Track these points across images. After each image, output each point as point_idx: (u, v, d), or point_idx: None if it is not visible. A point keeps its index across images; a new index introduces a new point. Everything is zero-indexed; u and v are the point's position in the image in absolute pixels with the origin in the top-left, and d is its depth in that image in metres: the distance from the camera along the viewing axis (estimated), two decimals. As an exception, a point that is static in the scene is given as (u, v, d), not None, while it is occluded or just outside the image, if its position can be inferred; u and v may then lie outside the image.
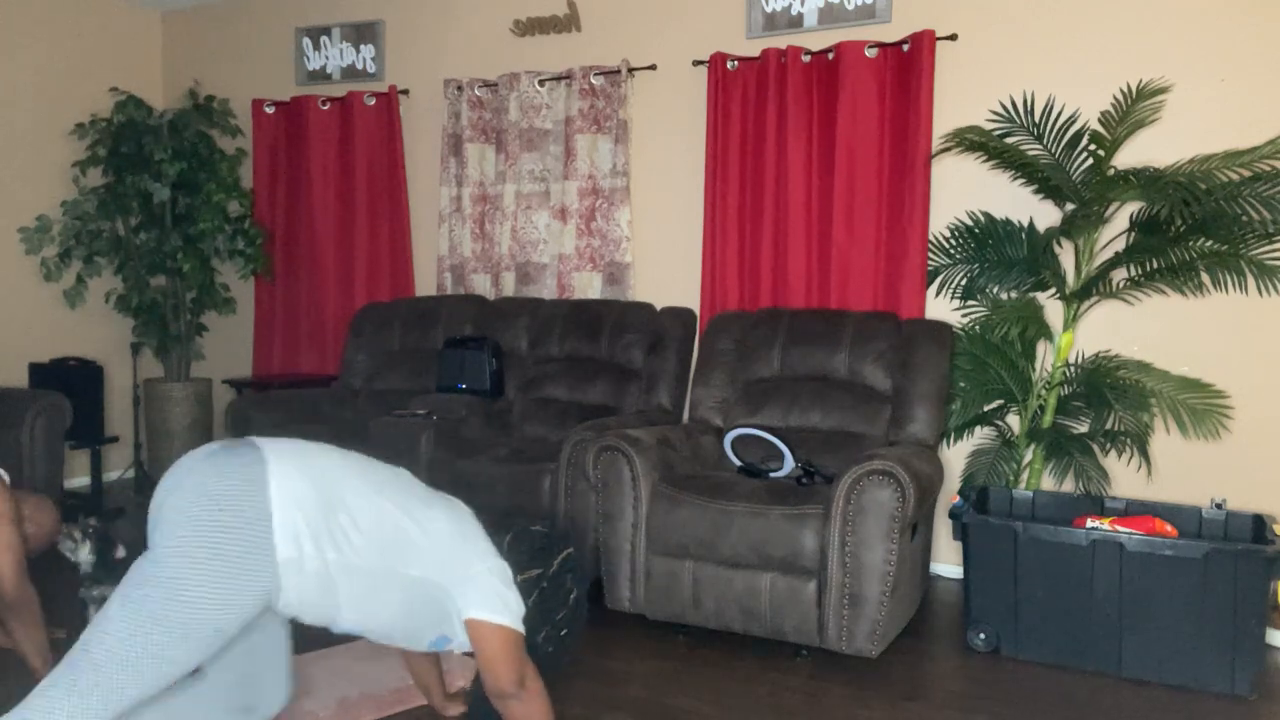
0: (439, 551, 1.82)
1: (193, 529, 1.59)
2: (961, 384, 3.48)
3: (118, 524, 4.32)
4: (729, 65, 3.91)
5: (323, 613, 1.75)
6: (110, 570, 2.84)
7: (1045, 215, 3.48)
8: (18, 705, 1.52)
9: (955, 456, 3.66)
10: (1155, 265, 3.16)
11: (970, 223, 3.54)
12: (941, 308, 3.68)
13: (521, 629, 1.89)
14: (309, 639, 2.94)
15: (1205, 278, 3.16)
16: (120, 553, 2.87)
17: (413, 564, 1.79)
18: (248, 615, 1.64)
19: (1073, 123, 3.23)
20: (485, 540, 1.94)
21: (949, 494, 3.60)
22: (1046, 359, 3.49)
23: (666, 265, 4.19)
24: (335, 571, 1.69)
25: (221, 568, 1.59)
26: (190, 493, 1.62)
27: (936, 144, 3.59)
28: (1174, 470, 3.36)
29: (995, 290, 3.54)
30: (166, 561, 1.58)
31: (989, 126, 3.39)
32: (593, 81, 4.19)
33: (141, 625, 1.54)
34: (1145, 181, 3.04)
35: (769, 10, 3.91)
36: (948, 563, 3.69)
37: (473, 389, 4.01)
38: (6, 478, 2.57)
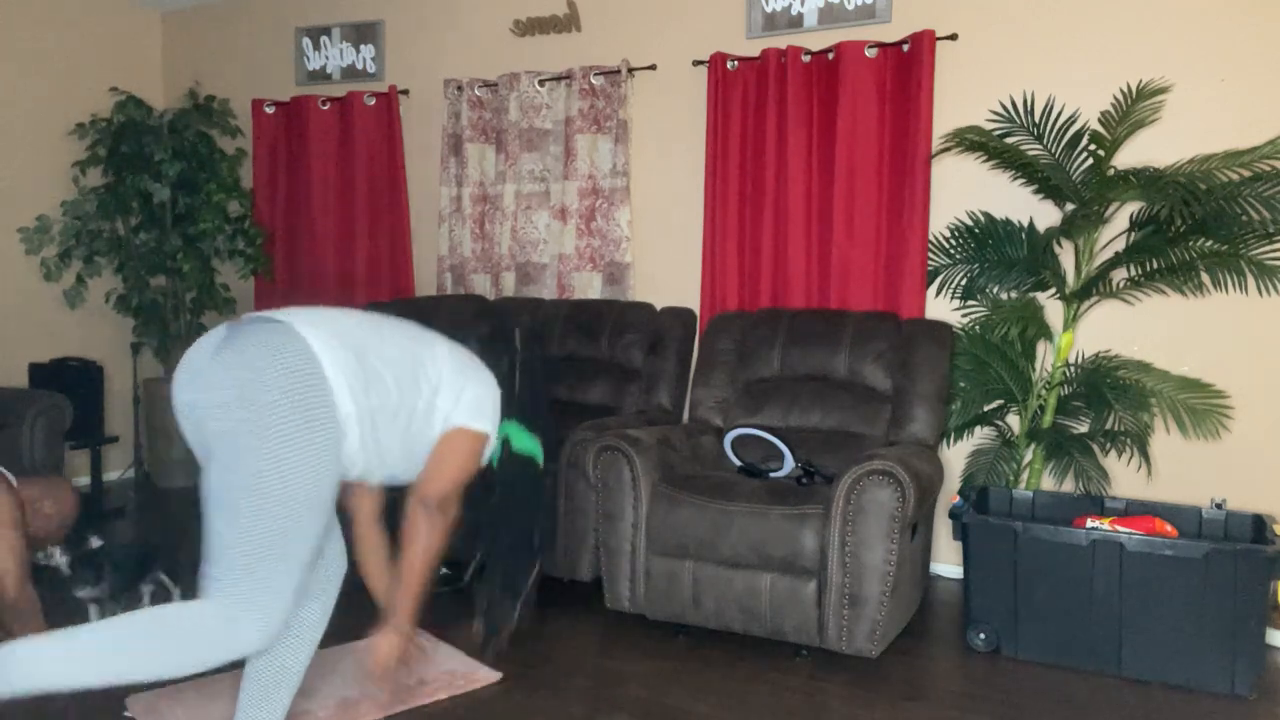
0: (444, 381, 1.91)
1: (268, 408, 1.57)
2: (961, 384, 3.48)
3: (117, 524, 4.33)
4: (729, 65, 3.91)
5: (366, 460, 1.79)
6: (93, 566, 2.83)
7: (1045, 215, 3.48)
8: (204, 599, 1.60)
9: (955, 456, 3.66)
10: (1155, 265, 3.17)
11: (970, 223, 3.54)
12: (941, 308, 3.68)
13: (489, 445, 1.98)
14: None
15: (1205, 278, 3.16)
16: (94, 543, 2.87)
17: (424, 395, 1.86)
18: (336, 476, 1.67)
19: (1073, 123, 3.23)
20: (481, 367, 2.03)
21: (949, 494, 3.60)
22: (1046, 359, 3.49)
23: (666, 265, 4.19)
24: (378, 418, 1.75)
25: (305, 435, 1.59)
26: (243, 373, 1.57)
27: (936, 144, 3.59)
28: (1174, 470, 3.36)
29: (995, 290, 3.54)
30: (258, 451, 1.57)
31: (989, 126, 3.39)
32: (593, 81, 4.19)
33: (262, 516, 1.58)
34: (1145, 181, 3.04)
35: (769, 10, 3.91)
36: (948, 563, 3.69)
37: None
38: (13, 479, 2.57)
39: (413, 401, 1.84)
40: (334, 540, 2.03)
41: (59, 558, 2.77)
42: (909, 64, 3.60)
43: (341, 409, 1.66)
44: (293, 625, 2.02)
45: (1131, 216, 3.27)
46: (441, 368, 1.93)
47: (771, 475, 3.23)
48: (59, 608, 3.11)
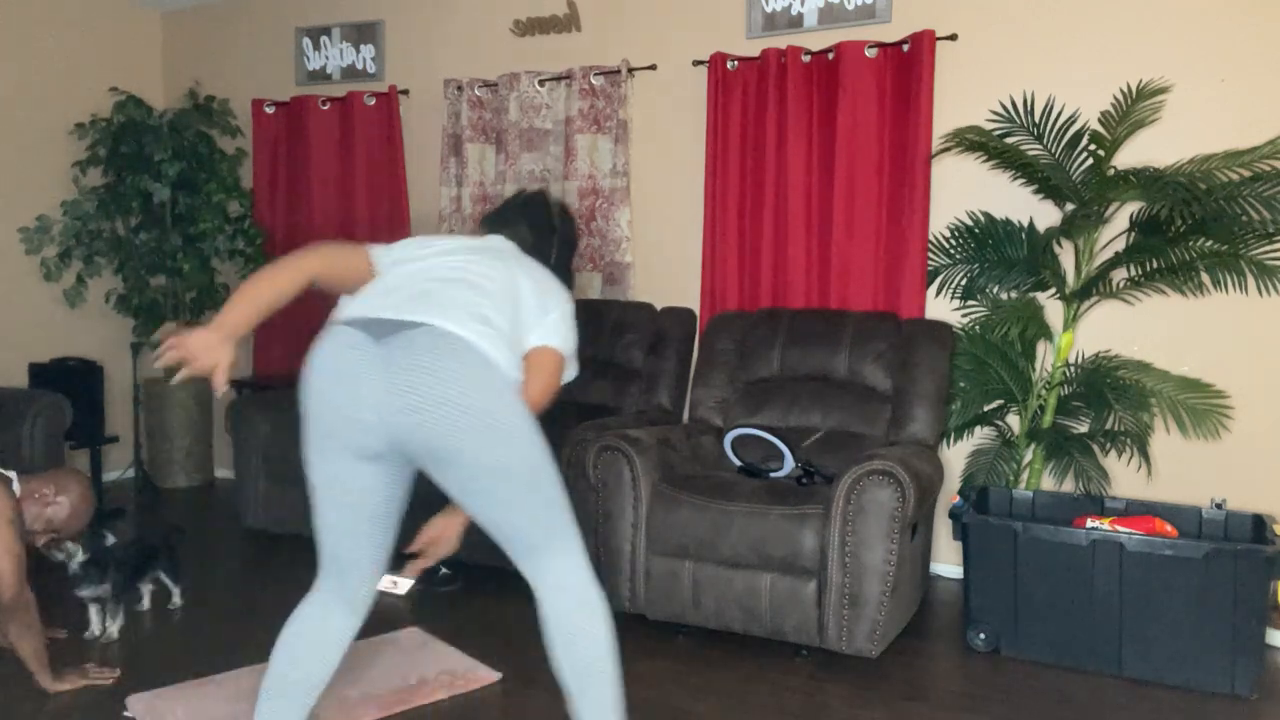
0: (531, 317, 1.97)
1: (502, 405, 1.76)
2: (961, 384, 3.48)
3: (118, 524, 4.33)
4: (729, 65, 3.91)
5: None
6: (100, 566, 2.84)
7: (1045, 215, 3.48)
8: (553, 550, 1.85)
9: (955, 456, 3.66)
10: (1155, 265, 3.17)
11: (970, 223, 3.54)
12: (941, 308, 3.68)
13: (569, 366, 2.06)
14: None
15: (1205, 278, 3.16)
16: (109, 540, 2.89)
17: (520, 339, 1.95)
18: None
19: (1073, 123, 3.23)
20: (557, 289, 2.07)
21: (949, 494, 3.60)
22: (1046, 359, 3.49)
23: (666, 265, 4.19)
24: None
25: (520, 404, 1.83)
26: (458, 394, 1.70)
27: (936, 144, 3.59)
28: (1174, 470, 3.36)
29: (995, 290, 3.54)
30: (520, 436, 1.79)
31: (989, 126, 3.39)
32: (593, 81, 4.19)
33: (550, 479, 1.85)
34: (1145, 181, 3.04)
35: (769, 10, 3.91)
36: (948, 563, 3.69)
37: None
38: (15, 480, 2.56)
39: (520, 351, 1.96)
40: (377, 566, 1.99)
41: (80, 555, 2.79)
42: (909, 64, 3.60)
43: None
44: (323, 637, 1.95)
45: (1131, 216, 3.27)
46: (528, 302, 1.97)
47: (771, 475, 3.23)
48: (57, 606, 3.12)
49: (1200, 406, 3.19)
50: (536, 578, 1.86)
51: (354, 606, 1.95)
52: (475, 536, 3.49)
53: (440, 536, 2.08)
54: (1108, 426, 3.28)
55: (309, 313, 4.95)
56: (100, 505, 4.49)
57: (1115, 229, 3.34)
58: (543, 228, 2.22)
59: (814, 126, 3.79)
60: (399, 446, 1.73)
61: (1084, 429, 3.37)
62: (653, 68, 4.13)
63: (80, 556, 2.79)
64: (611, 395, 3.84)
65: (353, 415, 1.70)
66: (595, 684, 1.82)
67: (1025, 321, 3.26)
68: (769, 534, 2.79)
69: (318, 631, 1.92)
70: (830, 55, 3.73)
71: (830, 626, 2.74)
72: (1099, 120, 3.18)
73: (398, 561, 3.53)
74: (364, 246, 1.97)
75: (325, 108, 4.86)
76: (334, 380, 1.71)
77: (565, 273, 2.27)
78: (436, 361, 1.67)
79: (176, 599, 3.22)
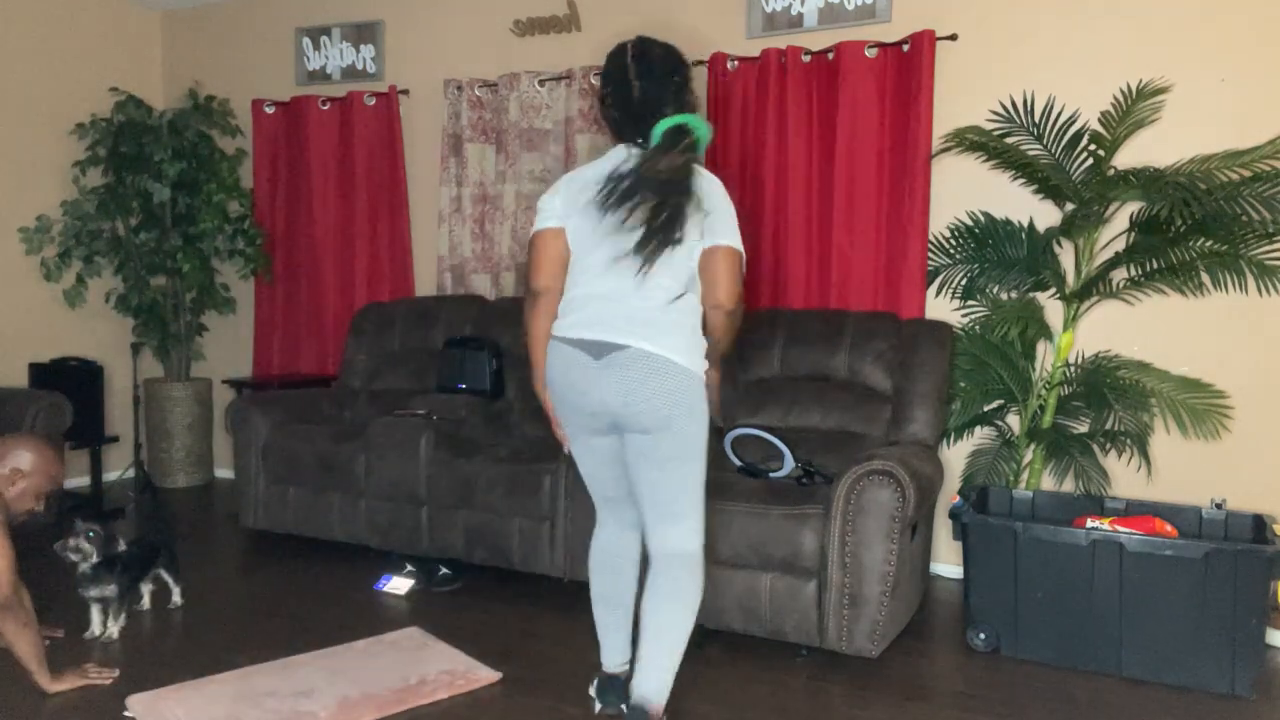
0: (686, 240, 2.22)
1: (693, 411, 2.21)
2: (961, 384, 3.48)
3: (117, 524, 4.33)
4: (729, 65, 3.91)
5: None
6: (110, 567, 2.86)
7: (1045, 215, 3.48)
8: (676, 524, 2.26)
9: (955, 456, 3.66)
10: (1155, 265, 3.17)
11: (970, 223, 3.54)
12: (941, 308, 3.68)
13: (742, 257, 2.25)
14: (308, 639, 2.94)
15: (1205, 278, 3.16)
16: (120, 546, 2.90)
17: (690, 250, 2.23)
18: None
19: (1073, 123, 3.24)
20: (683, 183, 2.20)
21: (949, 494, 3.60)
22: (1046, 359, 3.49)
23: (666, 265, 4.18)
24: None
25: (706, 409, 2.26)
26: (658, 397, 2.18)
27: (936, 144, 3.59)
28: (1174, 470, 3.36)
29: (995, 290, 3.54)
30: (690, 439, 2.22)
31: (989, 126, 3.39)
32: (593, 81, 4.19)
33: (701, 461, 2.27)
34: (1145, 181, 3.04)
35: (769, 10, 3.91)
36: (948, 563, 3.69)
37: (473, 389, 4.01)
38: None
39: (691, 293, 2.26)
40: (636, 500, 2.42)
41: (94, 556, 2.80)
42: (909, 64, 3.60)
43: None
44: (620, 551, 2.45)
45: (1131, 216, 3.27)
46: (671, 256, 2.18)
47: (771, 475, 3.23)
48: (57, 605, 3.12)
49: (1200, 406, 3.19)
50: (659, 539, 2.25)
51: (631, 525, 2.46)
52: (476, 537, 3.50)
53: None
54: (1108, 426, 3.28)
55: (304, 314, 4.96)
56: (100, 505, 4.49)
57: (1115, 229, 3.34)
58: (624, 100, 2.23)
59: (814, 126, 3.79)
60: (619, 423, 2.25)
61: (1084, 429, 3.37)
62: (653, 68, 4.12)
63: (94, 558, 2.81)
64: (611, 395, 3.83)
65: (588, 410, 2.26)
66: (669, 644, 2.21)
67: (1025, 321, 3.26)
68: (769, 534, 2.79)
69: (614, 547, 2.46)
70: (830, 55, 3.73)
71: (830, 626, 2.74)
72: (1099, 120, 3.18)
73: (398, 565, 3.53)
74: (547, 230, 2.29)
75: (325, 108, 4.86)
76: (574, 391, 2.25)
77: (677, 94, 2.23)
78: (638, 375, 2.18)
79: (177, 598, 3.22)
